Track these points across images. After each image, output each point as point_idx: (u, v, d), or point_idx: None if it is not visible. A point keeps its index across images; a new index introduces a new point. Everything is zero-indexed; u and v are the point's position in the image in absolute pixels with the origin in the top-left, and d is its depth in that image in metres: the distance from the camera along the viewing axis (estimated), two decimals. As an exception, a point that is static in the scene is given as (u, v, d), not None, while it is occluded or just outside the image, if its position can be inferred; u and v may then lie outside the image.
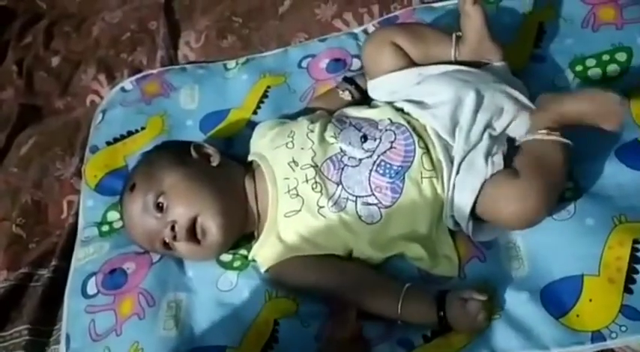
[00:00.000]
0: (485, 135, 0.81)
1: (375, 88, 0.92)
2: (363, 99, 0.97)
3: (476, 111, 0.82)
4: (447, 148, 0.82)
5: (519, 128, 0.83)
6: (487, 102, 0.83)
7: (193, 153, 0.90)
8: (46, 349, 0.91)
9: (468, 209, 0.78)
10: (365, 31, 1.11)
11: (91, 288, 0.90)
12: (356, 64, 1.06)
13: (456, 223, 0.81)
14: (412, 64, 0.90)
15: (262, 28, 1.21)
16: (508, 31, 1.00)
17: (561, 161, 0.77)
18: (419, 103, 0.85)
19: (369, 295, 0.78)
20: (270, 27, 1.21)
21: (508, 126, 0.83)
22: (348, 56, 1.08)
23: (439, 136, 0.82)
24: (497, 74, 0.88)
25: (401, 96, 0.88)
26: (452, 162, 0.81)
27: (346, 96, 0.96)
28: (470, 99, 0.82)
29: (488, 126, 0.82)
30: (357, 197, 0.82)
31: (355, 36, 1.11)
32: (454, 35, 0.88)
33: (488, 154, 0.79)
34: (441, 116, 0.82)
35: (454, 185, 0.80)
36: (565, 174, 0.78)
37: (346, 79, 0.99)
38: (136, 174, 0.89)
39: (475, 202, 0.78)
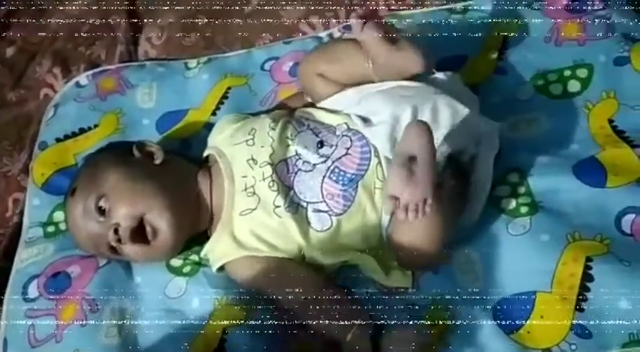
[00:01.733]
0: None
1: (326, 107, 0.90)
2: None
3: None
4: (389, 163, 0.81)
5: (458, 139, 0.80)
6: (424, 118, 0.79)
7: (136, 152, 0.87)
8: (-18, 353, 0.87)
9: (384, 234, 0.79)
10: (330, 35, 1.09)
11: (33, 291, 0.86)
12: (320, 68, 1.05)
13: None
14: (343, 86, 0.87)
15: (227, 28, 1.19)
16: (472, 43, 0.99)
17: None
18: (364, 119, 0.83)
19: (320, 312, 0.75)
20: (234, 27, 1.18)
21: (446, 140, 0.79)
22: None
23: (383, 155, 0.81)
24: (441, 85, 0.85)
25: (348, 111, 0.86)
26: None
27: (309, 99, 0.94)
28: (406, 116, 0.80)
29: None
30: (308, 203, 0.80)
31: (321, 40, 1.09)
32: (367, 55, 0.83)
33: None
34: (381, 135, 0.80)
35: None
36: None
37: None
38: (78, 178, 0.86)
39: None
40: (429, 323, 0.75)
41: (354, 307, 0.76)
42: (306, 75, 0.88)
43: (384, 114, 0.81)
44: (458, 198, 0.80)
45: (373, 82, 0.84)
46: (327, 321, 0.75)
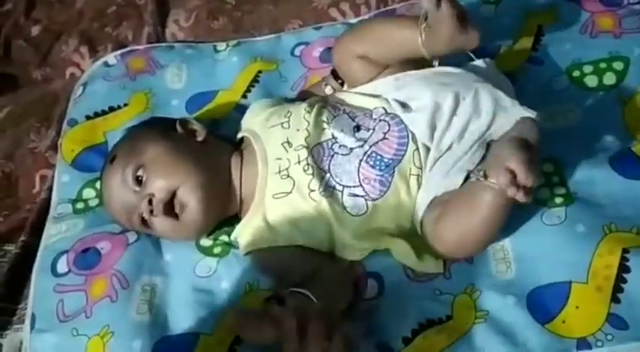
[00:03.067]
0: (455, 144, 0.79)
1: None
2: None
3: (452, 115, 0.80)
4: (428, 150, 0.80)
5: (500, 130, 0.79)
6: (465, 106, 0.79)
7: (179, 128, 0.87)
8: (9, 328, 0.86)
9: (418, 222, 0.78)
10: (361, 23, 1.09)
11: (62, 267, 0.86)
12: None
13: None
14: (385, 67, 0.86)
15: (255, 12, 1.18)
16: (507, 32, 0.99)
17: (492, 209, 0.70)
18: (402, 105, 0.83)
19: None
20: (264, 11, 1.18)
21: (488, 129, 0.79)
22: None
23: (421, 141, 0.80)
24: (480, 73, 0.85)
25: (387, 96, 0.85)
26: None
27: (328, 90, 0.93)
28: (447, 103, 0.79)
29: (465, 130, 0.79)
30: (344, 187, 0.80)
31: (351, 26, 1.09)
32: (421, 27, 0.79)
33: (451, 168, 0.77)
34: (420, 121, 0.80)
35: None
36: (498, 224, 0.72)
37: (334, 73, 0.96)
38: (118, 147, 0.87)
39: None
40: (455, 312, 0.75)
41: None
42: (343, 57, 0.87)
43: (424, 100, 0.81)
44: None
45: (417, 60, 0.82)
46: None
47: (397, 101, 0.83)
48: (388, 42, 0.82)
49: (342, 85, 0.93)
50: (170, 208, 0.80)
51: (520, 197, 0.67)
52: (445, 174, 0.77)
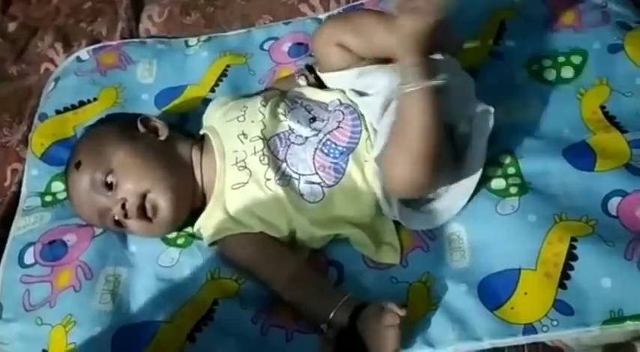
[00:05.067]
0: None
1: (325, 79, 0.91)
2: (319, 86, 0.95)
3: None
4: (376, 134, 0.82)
5: (451, 115, 0.81)
6: None
7: (140, 126, 0.88)
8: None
9: (379, 191, 0.79)
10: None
11: (29, 258, 0.87)
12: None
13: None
14: (359, 60, 0.86)
15: (227, 7, 1.19)
16: (470, 26, 1.00)
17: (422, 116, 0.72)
18: (360, 93, 0.85)
19: (306, 293, 0.77)
20: (235, 6, 1.19)
21: None
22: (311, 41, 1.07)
23: (372, 126, 0.82)
24: (441, 67, 0.87)
25: (346, 86, 0.87)
26: None
27: (302, 81, 0.94)
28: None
29: None
30: (300, 175, 0.82)
31: (320, 21, 1.10)
32: None
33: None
34: (374, 105, 0.82)
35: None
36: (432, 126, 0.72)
37: (307, 67, 0.98)
38: (82, 151, 0.86)
39: None
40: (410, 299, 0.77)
41: (335, 288, 0.78)
42: (323, 41, 0.87)
43: (379, 87, 0.82)
44: (451, 153, 0.82)
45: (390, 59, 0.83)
46: (310, 301, 0.76)
47: (354, 90, 0.85)
48: (369, 36, 0.83)
49: (315, 78, 0.94)
50: (143, 210, 0.82)
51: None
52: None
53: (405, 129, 0.74)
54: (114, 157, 0.83)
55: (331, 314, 0.73)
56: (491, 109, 0.84)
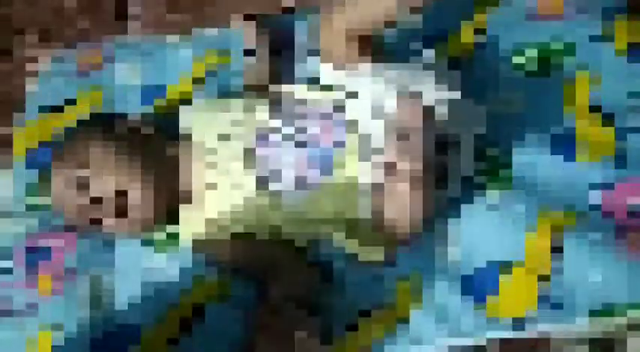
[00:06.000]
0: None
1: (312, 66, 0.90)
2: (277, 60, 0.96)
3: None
4: (368, 140, 0.81)
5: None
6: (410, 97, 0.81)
7: (120, 126, 0.87)
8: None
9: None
10: (317, 10, 1.09)
11: (11, 263, 0.86)
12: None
13: None
14: (365, 54, 0.85)
15: (214, 4, 1.18)
16: (454, 18, 0.99)
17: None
18: (348, 93, 0.84)
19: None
20: (221, 3, 1.18)
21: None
22: (297, 36, 1.06)
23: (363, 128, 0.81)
24: (427, 66, 0.86)
25: (334, 82, 0.86)
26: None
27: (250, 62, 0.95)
28: (392, 93, 0.80)
29: None
30: (282, 176, 0.81)
31: (305, 16, 1.09)
32: None
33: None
34: (363, 110, 0.81)
35: None
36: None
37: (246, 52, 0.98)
38: (62, 149, 0.86)
39: None
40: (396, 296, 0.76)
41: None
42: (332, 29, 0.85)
43: (368, 91, 0.81)
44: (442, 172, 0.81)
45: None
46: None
47: (342, 89, 0.84)
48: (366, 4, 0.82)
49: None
50: (119, 208, 0.81)
51: (402, 187, 0.71)
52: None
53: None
54: (90, 155, 0.83)
55: None
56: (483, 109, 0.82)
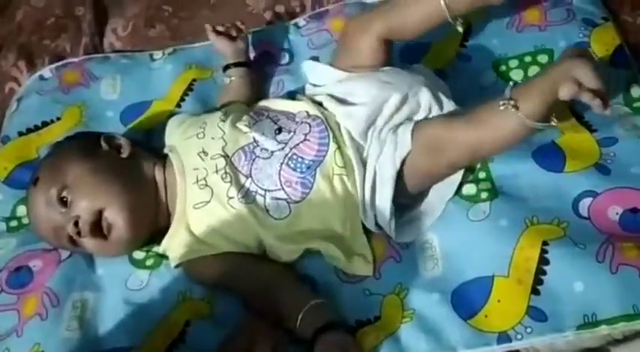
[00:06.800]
0: (390, 134, 0.80)
1: (308, 67, 0.91)
2: (251, 76, 0.97)
3: (395, 113, 0.81)
4: (359, 149, 0.81)
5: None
6: (408, 103, 0.82)
7: (103, 144, 0.87)
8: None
9: (387, 213, 0.78)
10: (296, 25, 1.09)
11: (-7, 286, 0.85)
12: (285, 58, 1.04)
13: (377, 225, 0.81)
14: (382, 61, 0.86)
15: (193, 19, 1.18)
16: (437, 30, 0.99)
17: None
18: (338, 100, 0.84)
19: (280, 301, 0.75)
20: (201, 17, 1.17)
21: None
22: (277, 50, 1.06)
23: (351, 136, 0.81)
24: (419, 73, 0.87)
25: (322, 90, 0.87)
26: (364, 165, 0.80)
27: (227, 81, 0.96)
28: (393, 100, 0.81)
29: (400, 124, 0.81)
30: (266, 191, 0.80)
31: (287, 29, 1.09)
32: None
33: (394, 152, 0.79)
34: (357, 117, 0.81)
35: (372, 188, 0.79)
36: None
37: (224, 68, 0.98)
38: (41, 167, 0.85)
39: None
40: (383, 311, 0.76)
41: (308, 295, 0.76)
42: (357, 31, 0.85)
43: (365, 97, 0.82)
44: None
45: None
46: (282, 310, 0.75)
47: (332, 96, 0.84)
48: (409, 12, 0.82)
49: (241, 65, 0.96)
50: (97, 228, 0.80)
51: (596, 105, 0.69)
52: (384, 168, 0.79)
53: (486, 132, 0.74)
54: (70, 174, 0.82)
55: (297, 321, 0.72)
56: None
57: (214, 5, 1.18)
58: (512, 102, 0.71)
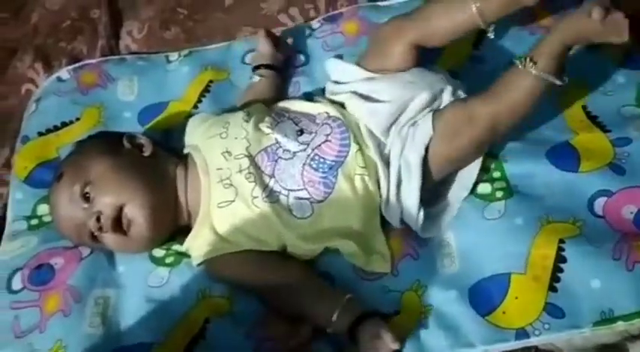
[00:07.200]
0: (410, 129, 0.82)
1: (332, 65, 0.92)
2: (279, 80, 0.99)
3: (420, 111, 0.83)
4: (380, 146, 0.82)
5: None
6: (432, 102, 0.84)
7: (126, 143, 0.88)
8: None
9: (415, 205, 0.80)
10: (310, 27, 1.10)
11: (17, 284, 0.86)
12: (299, 59, 1.06)
13: (402, 221, 0.82)
14: (412, 63, 0.87)
15: (207, 21, 1.19)
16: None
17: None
18: (363, 97, 0.85)
19: (307, 298, 0.77)
20: (215, 19, 1.19)
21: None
22: (293, 52, 1.07)
23: (372, 134, 0.82)
24: (439, 73, 0.88)
25: (346, 87, 0.88)
26: (387, 163, 0.82)
27: (255, 79, 0.97)
28: (419, 99, 0.82)
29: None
30: (289, 191, 0.81)
31: (302, 30, 1.10)
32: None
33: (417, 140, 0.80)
34: (382, 113, 0.82)
35: (397, 183, 0.81)
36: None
37: (254, 68, 1.00)
38: (65, 164, 0.87)
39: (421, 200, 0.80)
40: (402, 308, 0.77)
41: (335, 291, 0.77)
42: (391, 36, 0.86)
43: (390, 95, 0.83)
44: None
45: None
46: (310, 306, 0.76)
47: (356, 93, 0.85)
48: (442, 19, 0.84)
49: (267, 67, 0.98)
50: (118, 224, 0.81)
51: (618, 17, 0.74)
52: (410, 163, 0.81)
53: (505, 95, 0.78)
54: (93, 170, 0.83)
55: (334, 317, 0.73)
56: None
57: (229, 8, 1.19)
58: (529, 58, 0.76)
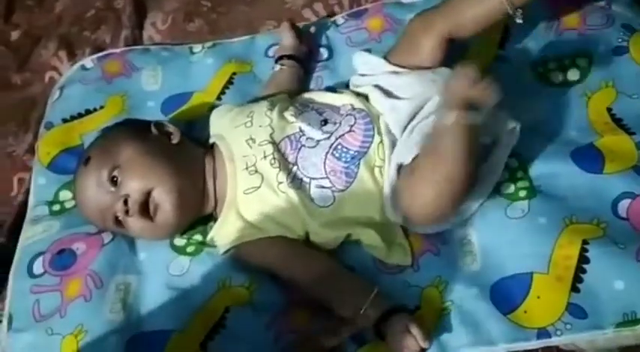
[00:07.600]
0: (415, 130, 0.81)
1: (359, 58, 0.92)
2: (301, 71, 1.00)
3: (434, 111, 0.83)
4: (394, 143, 0.83)
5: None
6: None
7: (154, 130, 0.89)
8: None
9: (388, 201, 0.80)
10: (334, 22, 1.11)
11: (38, 268, 0.87)
12: (322, 54, 1.06)
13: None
14: (439, 60, 0.86)
15: (231, 13, 1.20)
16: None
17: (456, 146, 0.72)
18: (385, 92, 0.85)
19: (335, 286, 0.77)
20: (239, 13, 1.19)
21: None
22: (315, 46, 1.07)
23: (389, 130, 0.83)
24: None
25: (370, 80, 0.88)
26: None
27: (277, 68, 0.99)
28: (433, 102, 0.82)
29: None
30: (311, 179, 0.82)
31: (325, 25, 1.10)
32: None
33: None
34: (402, 111, 0.82)
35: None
36: (466, 160, 0.73)
37: (278, 59, 1.01)
38: (93, 148, 0.87)
39: None
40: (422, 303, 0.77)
41: (364, 282, 0.77)
42: (419, 29, 0.86)
43: (412, 92, 0.84)
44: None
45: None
46: (339, 296, 0.76)
47: (380, 88, 0.85)
48: (470, 8, 0.83)
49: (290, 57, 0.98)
50: (145, 209, 0.82)
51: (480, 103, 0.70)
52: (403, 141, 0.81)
53: (439, 156, 0.73)
54: (122, 154, 0.83)
55: (362, 309, 0.73)
56: (517, 126, 0.83)
57: (252, 1, 1.20)
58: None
